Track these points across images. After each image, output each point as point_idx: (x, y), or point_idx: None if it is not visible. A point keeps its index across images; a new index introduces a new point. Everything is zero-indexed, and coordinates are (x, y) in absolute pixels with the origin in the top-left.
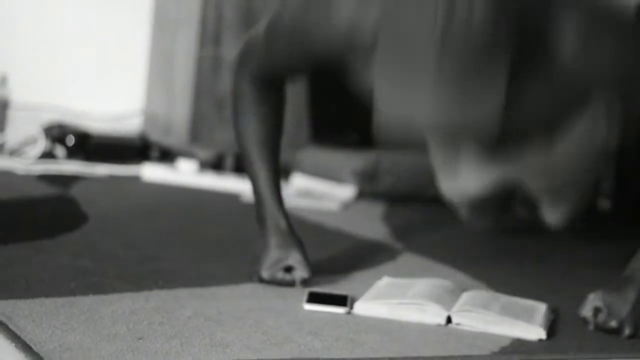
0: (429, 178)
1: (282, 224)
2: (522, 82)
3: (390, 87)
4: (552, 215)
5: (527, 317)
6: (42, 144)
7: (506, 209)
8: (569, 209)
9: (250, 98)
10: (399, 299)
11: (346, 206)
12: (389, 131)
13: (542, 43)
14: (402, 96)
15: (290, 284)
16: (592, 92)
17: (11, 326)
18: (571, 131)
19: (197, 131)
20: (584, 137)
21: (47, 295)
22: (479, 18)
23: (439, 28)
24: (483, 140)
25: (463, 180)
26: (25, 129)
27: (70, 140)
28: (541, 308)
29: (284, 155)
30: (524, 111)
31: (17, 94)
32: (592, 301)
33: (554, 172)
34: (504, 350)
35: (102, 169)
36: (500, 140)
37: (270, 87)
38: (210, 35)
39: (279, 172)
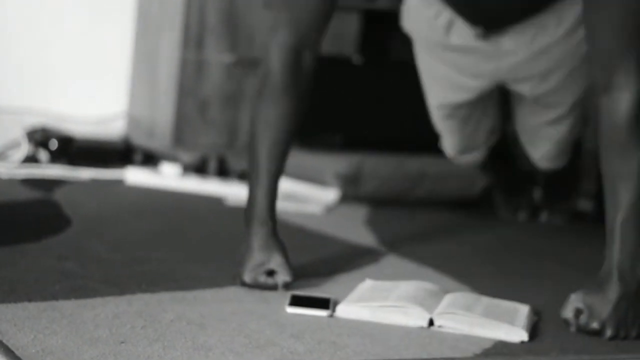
0: (412, 181)
1: (268, 227)
2: None
3: None
4: (538, 153)
5: (509, 319)
6: (25, 148)
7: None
8: (557, 148)
9: (277, 81)
10: (381, 302)
11: (329, 209)
12: None
13: None
14: None
15: (273, 287)
16: None
17: None
18: (561, 14)
19: (180, 134)
20: (572, 38)
21: (30, 299)
22: None
23: None
24: None
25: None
26: (8, 132)
27: (54, 144)
28: (524, 310)
29: None
30: None
31: (0, 98)
32: (573, 302)
33: (544, 73)
34: (486, 352)
35: (86, 173)
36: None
37: (299, 64)
38: (193, 38)
39: (281, 176)
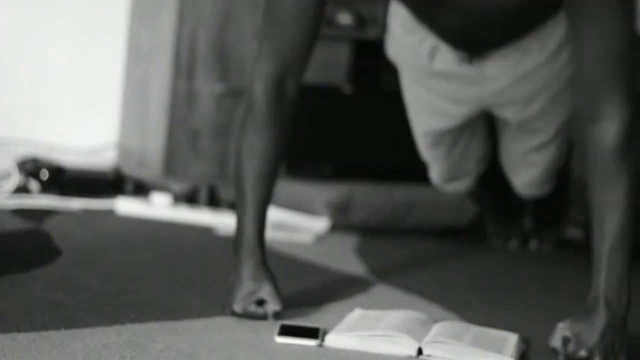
0: (402, 210)
1: (257, 256)
2: None
3: None
4: (521, 180)
5: (498, 347)
6: (16, 178)
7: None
8: (541, 176)
9: (260, 111)
10: (370, 331)
11: (320, 238)
12: None
13: None
14: None
15: (263, 317)
16: None
17: None
18: (544, 37)
19: (171, 164)
20: (556, 55)
21: (19, 330)
22: None
23: None
24: None
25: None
26: None
27: (44, 174)
28: (512, 339)
29: None
30: None
31: None
32: (561, 331)
33: (528, 97)
34: None
35: (76, 203)
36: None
37: (283, 94)
38: (184, 68)
39: (269, 204)
